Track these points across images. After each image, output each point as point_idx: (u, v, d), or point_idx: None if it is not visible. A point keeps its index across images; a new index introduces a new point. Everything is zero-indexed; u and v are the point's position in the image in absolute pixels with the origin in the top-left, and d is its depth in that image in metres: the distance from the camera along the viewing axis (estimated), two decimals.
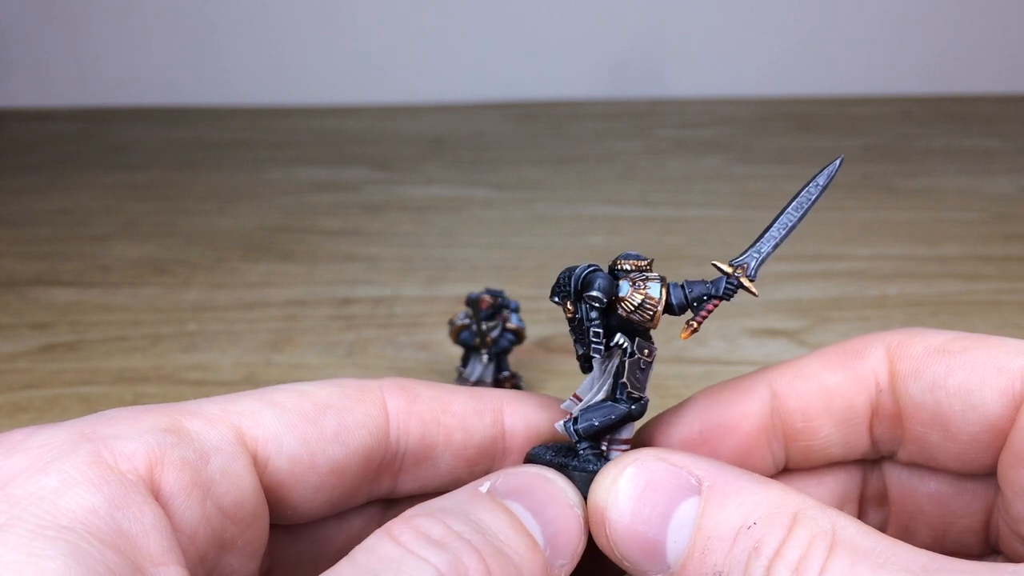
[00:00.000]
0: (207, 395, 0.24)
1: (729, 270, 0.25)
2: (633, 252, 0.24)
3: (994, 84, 0.98)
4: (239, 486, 0.22)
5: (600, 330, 0.24)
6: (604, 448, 0.24)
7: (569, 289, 0.24)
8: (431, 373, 0.50)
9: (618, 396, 0.24)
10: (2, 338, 0.54)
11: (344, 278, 0.61)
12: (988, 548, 0.26)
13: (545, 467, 0.24)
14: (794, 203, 0.25)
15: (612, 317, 0.24)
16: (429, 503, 0.22)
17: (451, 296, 0.58)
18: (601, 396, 0.25)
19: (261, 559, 0.23)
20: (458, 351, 0.49)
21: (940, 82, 0.98)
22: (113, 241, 0.67)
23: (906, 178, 0.77)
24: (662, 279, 0.24)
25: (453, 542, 0.20)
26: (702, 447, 0.25)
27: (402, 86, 0.98)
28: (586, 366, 0.25)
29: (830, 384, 0.25)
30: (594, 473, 0.23)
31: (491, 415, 0.26)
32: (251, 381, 0.49)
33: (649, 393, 0.24)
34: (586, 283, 0.23)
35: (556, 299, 0.24)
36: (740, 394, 0.25)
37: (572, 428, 0.24)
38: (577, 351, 0.25)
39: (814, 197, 0.25)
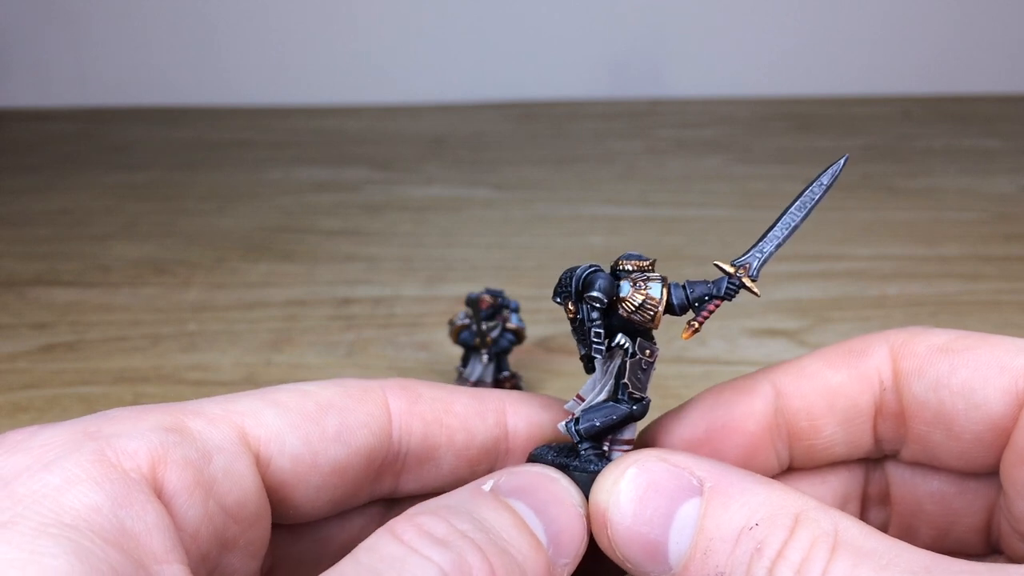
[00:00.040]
0: (207, 395, 0.24)
1: (731, 270, 0.25)
2: (635, 252, 0.24)
3: (994, 84, 0.98)
4: (241, 485, 0.22)
5: (601, 330, 0.24)
6: (606, 448, 0.24)
7: (570, 289, 0.24)
8: (431, 373, 0.50)
9: (619, 396, 0.24)
10: (2, 338, 0.54)
11: (344, 278, 0.61)
12: (989, 548, 0.26)
13: (548, 467, 0.24)
14: (797, 203, 0.25)
15: (613, 317, 0.24)
16: (432, 501, 0.22)
17: (451, 296, 0.58)
18: (603, 396, 0.25)
19: (263, 558, 0.23)
20: (458, 351, 0.49)
21: (940, 82, 0.98)
22: (113, 241, 0.67)
23: (906, 178, 0.77)
24: (663, 279, 0.24)
25: (457, 541, 0.20)
26: (706, 447, 0.25)
27: (402, 86, 0.98)
28: (589, 366, 0.25)
29: (834, 383, 0.25)
30: (595, 474, 0.23)
31: (494, 416, 0.26)
32: (251, 381, 0.49)
33: (650, 393, 0.24)
34: (587, 283, 0.23)
35: (558, 299, 0.24)
36: (744, 394, 0.25)
37: (573, 428, 0.24)
38: (580, 351, 0.25)
39: (818, 197, 0.25)
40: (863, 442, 0.26)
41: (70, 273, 0.62)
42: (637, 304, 0.23)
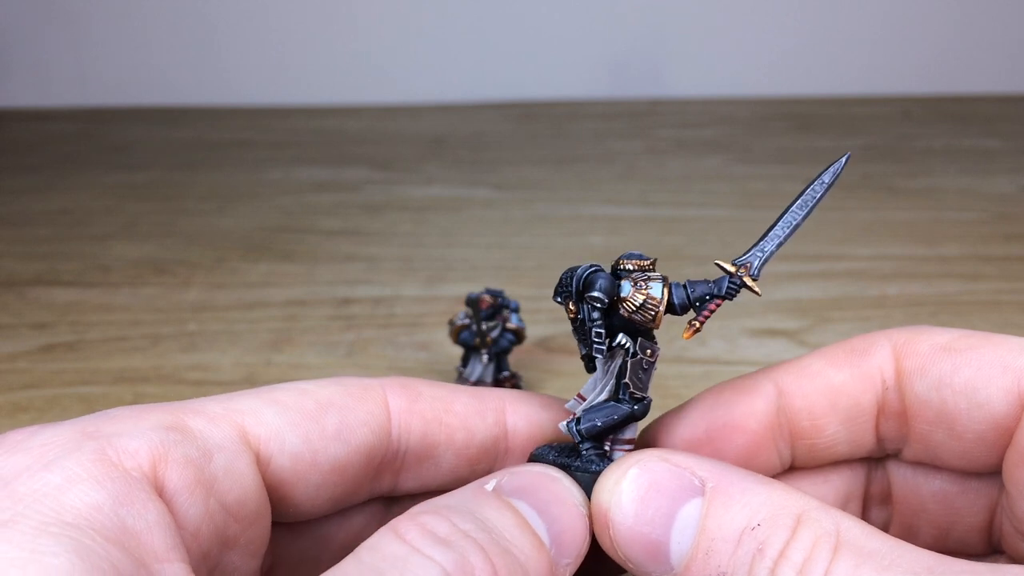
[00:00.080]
0: (207, 395, 0.24)
1: (732, 269, 0.24)
2: (636, 252, 0.24)
3: (994, 84, 0.98)
4: (242, 484, 0.22)
5: (602, 330, 0.23)
6: (607, 448, 0.24)
7: (571, 289, 0.24)
8: (431, 373, 0.50)
9: (620, 396, 0.24)
10: (2, 338, 0.54)
11: (344, 278, 0.61)
12: (991, 547, 0.26)
13: (550, 466, 0.24)
14: (799, 201, 0.25)
15: (614, 317, 0.24)
16: (434, 500, 0.22)
17: (451, 296, 0.58)
18: (604, 396, 0.25)
19: (263, 557, 0.23)
20: (458, 351, 0.49)
21: (940, 82, 0.98)
22: (113, 241, 0.67)
23: (906, 178, 0.77)
24: (664, 279, 0.24)
25: (459, 540, 0.20)
26: (708, 447, 0.25)
27: (402, 86, 0.98)
28: (590, 366, 0.25)
29: (836, 382, 0.25)
30: (597, 474, 0.23)
31: (493, 415, 0.26)
32: (251, 381, 0.49)
33: (651, 393, 0.24)
34: (587, 283, 0.23)
35: (559, 299, 0.24)
36: (745, 393, 0.25)
37: (575, 428, 0.24)
38: (580, 351, 0.25)
39: (819, 195, 0.25)
40: (865, 441, 0.26)
41: (70, 273, 0.62)
42: (638, 304, 0.23)
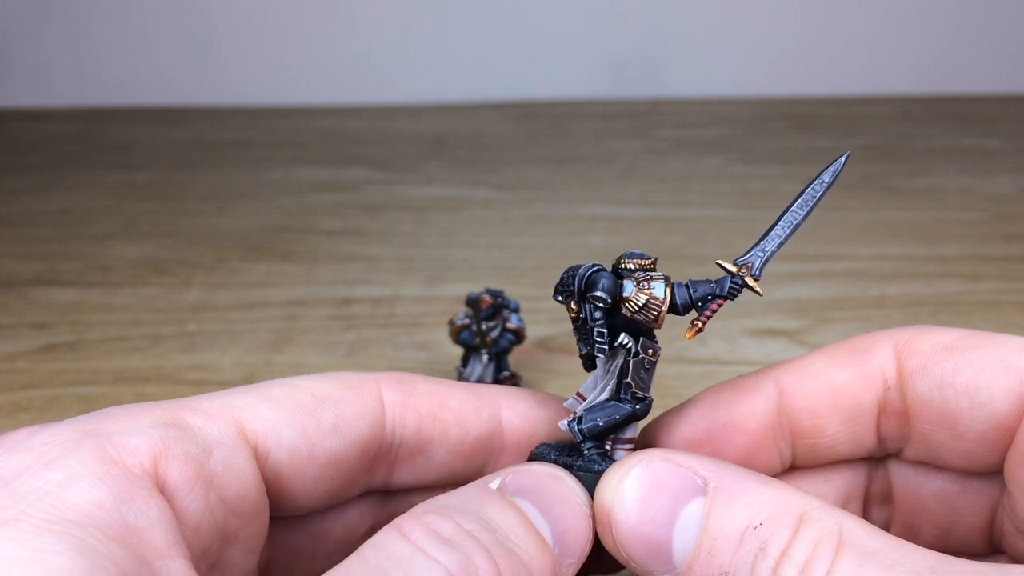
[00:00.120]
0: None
1: (733, 269, 0.25)
2: (637, 251, 0.24)
3: (994, 84, 0.98)
4: (241, 479, 0.22)
5: (604, 330, 0.24)
6: (609, 448, 0.25)
7: (573, 288, 0.24)
8: (431, 373, 0.50)
9: (622, 396, 0.24)
10: (2, 338, 0.54)
11: (344, 278, 0.61)
12: (991, 547, 0.26)
13: (554, 466, 0.24)
14: (799, 201, 0.25)
15: (616, 316, 0.24)
16: (439, 499, 0.22)
17: (451, 296, 0.58)
18: (605, 396, 0.25)
19: (261, 552, 0.24)
20: (458, 351, 0.49)
21: (940, 82, 0.98)
22: (113, 241, 0.67)
23: (906, 178, 0.77)
24: (666, 279, 0.24)
25: (463, 541, 0.20)
26: (708, 446, 0.25)
27: (402, 86, 0.98)
28: (589, 364, 0.25)
29: (838, 381, 0.25)
30: (599, 473, 0.23)
31: (488, 411, 0.26)
32: (251, 381, 0.48)
33: (651, 393, 0.24)
34: (590, 283, 0.23)
35: (560, 298, 0.24)
36: (746, 392, 0.25)
37: (576, 428, 0.24)
38: (581, 350, 0.25)
39: (819, 194, 0.25)
40: (866, 441, 0.26)
41: (70, 273, 0.62)
42: (641, 304, 0.23)
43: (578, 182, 0.77)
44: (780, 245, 0.25)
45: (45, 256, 0.65)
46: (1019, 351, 0.24)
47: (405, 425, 0.25)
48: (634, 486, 0.22)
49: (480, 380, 0.47)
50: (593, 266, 0.24)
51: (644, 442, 0.26)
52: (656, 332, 0.25)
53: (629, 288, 0.23)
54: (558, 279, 0.25)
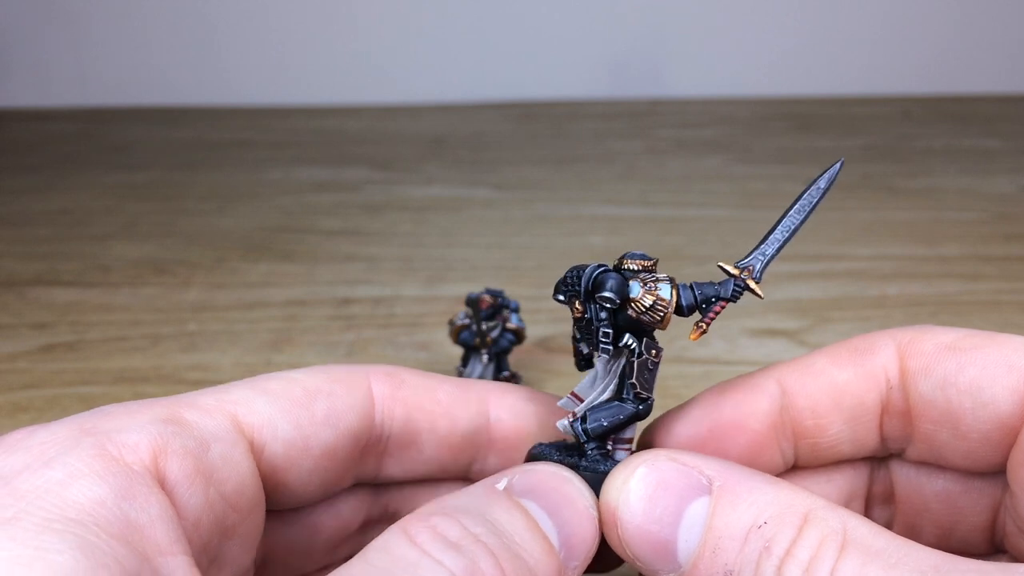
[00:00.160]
0: None
1: (735, 272, 0.25)
2: (638, 252, 0.24)
3: (994, 84, 0.98)
4: (239, 472, 0.22)
5: (610, 330, 0.24)
6: (610, 448, 0.25)
7: (579, 288, 0.24)
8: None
9: (625, 396, 0.24)
10: (2, 338, 0.54)
11: (344, 278, 0.61)
12: (993, 547, 0.26)
13: (561, 466, 0.24)
14: (796, 206, 0.25)
15: (619, 317, 0.24)
16: (445, 499, 0.22)
17: (451, 296, 0.58)
18: (606, 396, 0.25)
19: (257, 547, 0.24)
20: (458, 351, 0.49)
21: (940, 82, 0.98)
22: (113, 241, 0.67)
23: (906, 178, 0.77)
24: (671, 280, 0.24)
25: (470, 545, 0.20)
26: (711, 446, 0.25)
27: (402, 86, 0.98)
28: (582, 365, 0.25)
29: (840, 381, 0.25)
30: (605, 474, 0.23)
31: (477, 405, 0.26)
32: None
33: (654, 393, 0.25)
34: (598, 283, 0.23)
35: (560, 297, 0.24)
36: (749, 392, 0.25)
37: (580, 428, 0.24)
38: (581, 350, 0.25)
39: (816, 200, 0.25)
40: (869, 441, 0.26)
41: (70, 273, 0.62)
42: (648, 305, 0.23)
43: (578, 182, 0.77)
44: (779, 249, 0.25)
45: (45, 256, 0.65)
46: (1022, 351, 0.24)
47: (394, 417, 0.25)
48: (640, 485, 0.22)
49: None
50: (600, 266, 0.24)
51: (647, 442, 0.26)
52: (655, 333, 0.25)
53: (636, 289, 0.23)
54: (559, 279, 0.25)
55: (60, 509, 0.18)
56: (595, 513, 0.23)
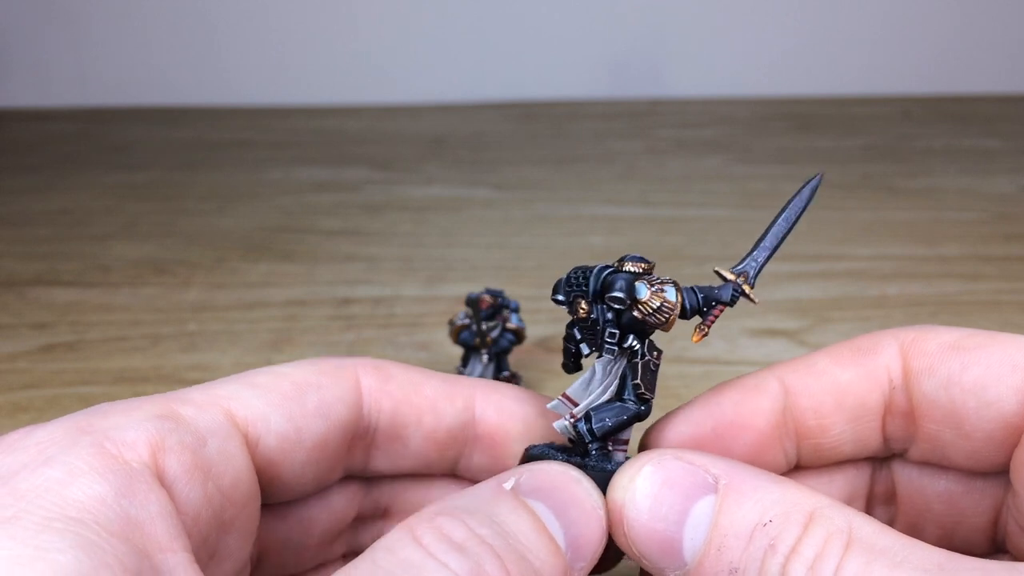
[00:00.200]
0: None
1: (732, 277, 0.25)
2: (636, 255, 0.25)
3: (994, 84, 0.98)
4: (235, 466, 0.22)
5: (616, 331, 0.24)
6: (611, 448, 0.25)
7: (585, 288, 0.24)
8: None
9: (626, 397, 0.24)
10: (2, 338, 0.54)
11: (344, 278, 0.61)
12: (995, 547, 0.26)
13: (568, 465, 0.24)
14: (783, 215, 0.26)
15: (624, 318, 0.24)
16: (452, 499, 0.22)
17: (451, 296, 0.58)
18: (607, 397, 0.25)
19: (254, 542, 0.24)
20: (458, 351, 0.49)
21: (940, 82, 0.98)
22: (113, 241, 0.67)
23: (906, 178, 0.77)
24: (675, 283, 0.24)
25: (475, 547, 0.20)
26: (714, 445, 0.25)
27: (402, 86, 0.98)
28: (570, 367, 0.25)
29: (842, 381, 0.25)
30: (611, 473, 0.23)
31: (463, 401, 0.27)
32: None
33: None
34: (607, 284, 0.24)
35: (560, 297, 0.25)
36: (751, 391, 0.25)
37: (584, 427, 0.24)
38: (582, 351, 0.25)
39: (800, 210, 0.26)
40: (871, 441, 0.26)
41: (70, 273, 0.62)
42: (655, 307, 0.24)
43: (578, 182, 0.77)
44: (769, 257, 0.26)
45: (45, 256, 0.65)
46: None
47: (381, 410, 0.26)
48: (646, 483, 0.22)
49: None
50: (606, 267, 0.24)
51: (650, 442, 0.26)
52: (657, 333, 0.25)
53: (643, 291, 0.24)
54: (559, 279, 0.25)
55: (60, 508, 0.18)
56: (603, 513, 0.23)
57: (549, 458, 0.24)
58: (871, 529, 0.20)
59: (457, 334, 0.47)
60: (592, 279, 0.24)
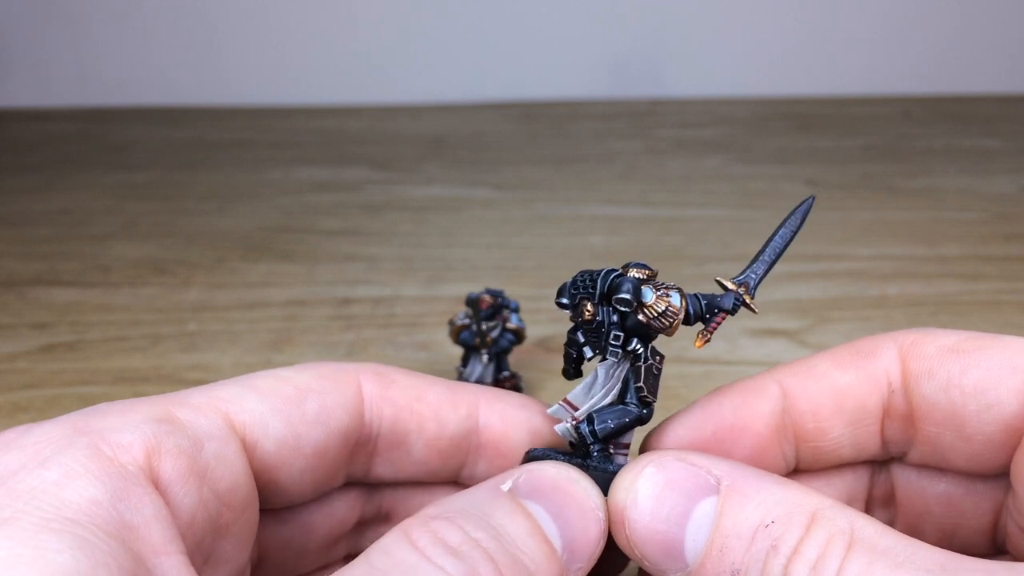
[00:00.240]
0: None
1: (733, 287, 0.26)
2: (641, 262, 0.25)
3: (994, 84, 0.98)
4: (232, 471, 0.22)
5: (621, 334, 0.24)
6: (612, 451, 0.25)
7: (592, 291, 0.24)
8: (431, 373, 0.50)
9: (628, 400, 0.24)
10: (2, 338, 0.54)
11: (344, 278, 0.61)
12: (995, 549, 0.26)
13: (568, 466, 0.24)
14: (780, 233, 0.26)
15: (628, 322, 0.24)
16: (449, 500, 0.22)
17: (451, 296, 0.58)
18: (609, 400, 0.25)
19: (252, 546, 0.24)
20: (458, 351, 0.49)
21: (940, 82, 0.98)
22: (113, 241, 0.67)
23: (906, 178, 0.77)
24: (680, 289, 0.24)
25: (470, 551, 0.20)
26: (714, 448, 0.25)
27: (402, 86, 0.98)
28: (571, 372, 0.25)
29: (842, 384, 0.25)
30: (613, 473, 0.23)
31: (466, 408, 0.26)
32: None
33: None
34: (614, 287, 0.24)
35: (564, 301, 0.25)
36: (751, 394, 0.25)
37: (587, 429, 0.24)
38: (584, 355, 0.25)
39: (795, 229, 0.26)
40: (870, 444, 0.26)
41: (70, 273, 0.62)
42: (660, 311, 0.24)
43: (578, 182, 0.77)
44: (767, 271, 0.26)
45: (45, 256, 0.65)
46: None
47: (383, 416, 0.26)
48: (647, 485, 0.22)
49: (480, 380, 0.47)
50: (613, 271, 0.24)
51: (651, 446, 0.26)
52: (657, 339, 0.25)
53: (649, 295, 0.24)
54: (561, 282, 0.25)
55: (57, 509, 0.18)
56: (601, 514, 0.23)
57: (551, 459, 0.24)
58: (873, 530, 0.20)
59: (457, 334, 0.47)
60: (599, 281, 0.24)
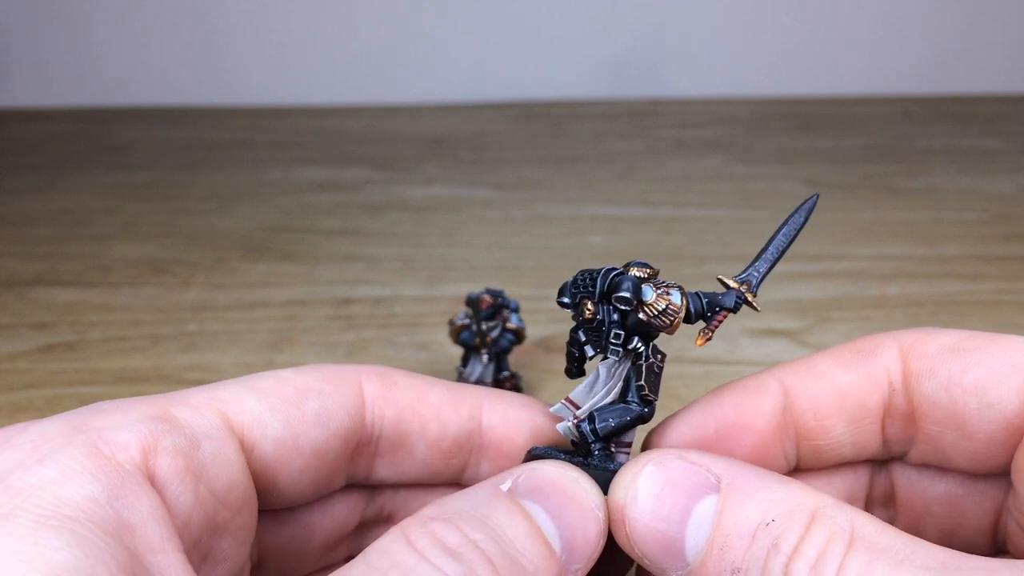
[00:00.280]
0: None
1: (735, 285, 0.26)
2: (642, 261, 0.25)
3: (994, 84, 0.98)
4: (230, 470, 0.22)
5: (622, 332, 0.24)
6: (613, 450, 0.25)
7: (592, 290, 0.24)
8: (431, 373, 0.50)
9: (630, 399, 0.24)
10: (2, 338, 0.54)
11: (344, 278, 0.61)
12: (995, 548, 0.26)
13: (568, 465, 0.24)
14: (783, 232, 0.26)
15: (629, 320, 0.24)
16: (448, 501, 0.22)
17: (451, 296, 0.58)
18: (610, 399, 0.25)
19: (251, 545, 0.24)
20: (458, 351, 0.49)
21: (940, 82, 0.98)
22: (113, 241, 0.67)
23: (906, 178, 0.77)
24: (681, 288, 0.24)
25: (468, 553, 0.20)
26: (716, 446, 0.25)
27: (402, 86, 0.98)
28: (573, 372, 0.25)
29: (842, 383, 0.25)
30: (613, 472, 0.23)
31: (468, 409, 0.26)
32: None
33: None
34: (614, 286, 0.24)
35: (565, 300, 0.25)
36: (752, 393, 0.25)
37: (588, 427, 0.24)
38: (586, 354, 0.25)
39: (799, 227, 0.26)
40: (871, 443, 0.26)
41: (70, 273, 0.62)
42: (660, 309, 0.24)
43: (578, 182, 0.77)
44: (770, 269, 0.26)
45: (45, 256, 0.65)
46: None
47: (384, 418, 0.26)
48: (648, 483, 0.22)
49: (480, 380, 0.47)
50: (613, 269, 0.24)
51: (652, 444, 0.26)
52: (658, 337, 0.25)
53: (649, 293, 0.24)
54: (561, 282, 0.25)
55: (55, 506, 0.18)
56: (601, 514, 0.23)
57: (551, 458, 0.24)
58: (874, 528, 0.20)
59: (457, 334, 0.47)
60: (600, 280, 0.24)
